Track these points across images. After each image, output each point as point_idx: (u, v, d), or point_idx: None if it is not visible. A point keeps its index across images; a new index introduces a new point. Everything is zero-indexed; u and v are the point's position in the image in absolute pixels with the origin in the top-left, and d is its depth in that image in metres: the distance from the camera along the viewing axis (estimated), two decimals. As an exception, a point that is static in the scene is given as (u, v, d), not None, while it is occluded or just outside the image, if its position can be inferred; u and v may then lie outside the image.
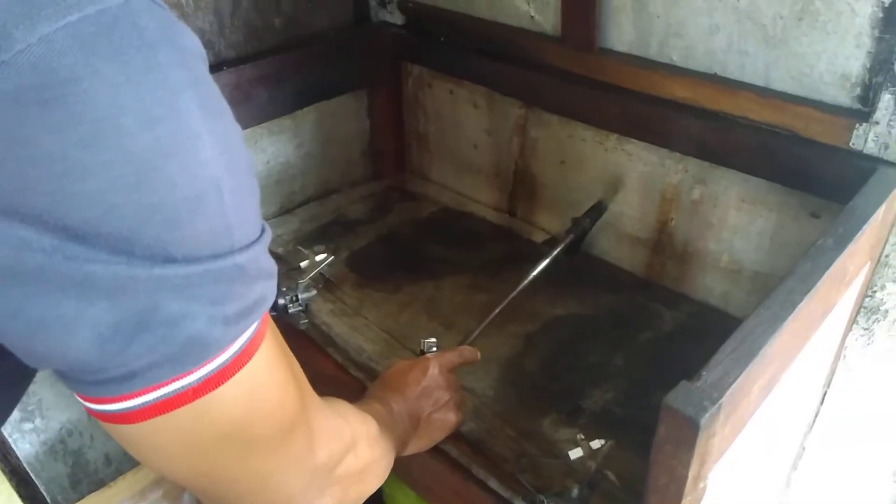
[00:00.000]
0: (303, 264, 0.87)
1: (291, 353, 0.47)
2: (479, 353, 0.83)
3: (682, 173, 1.00)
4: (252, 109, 1.10)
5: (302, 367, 0.89)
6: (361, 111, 1.31)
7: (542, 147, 1.17)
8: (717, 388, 0.49)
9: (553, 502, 0.68)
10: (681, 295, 1.08)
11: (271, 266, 0.41)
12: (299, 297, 0.84)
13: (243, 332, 0.39)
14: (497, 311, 0.90)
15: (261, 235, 0.40)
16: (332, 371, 0.92)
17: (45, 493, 0.95)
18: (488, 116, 1.22)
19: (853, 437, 1.03)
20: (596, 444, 0.76)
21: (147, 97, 0.32)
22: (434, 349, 0.82)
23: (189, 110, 0.34)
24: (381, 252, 1.20)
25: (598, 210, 1.06)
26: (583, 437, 0.76)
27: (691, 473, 0.50)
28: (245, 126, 1.12)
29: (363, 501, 0.58)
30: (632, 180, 1.06)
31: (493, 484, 0.70)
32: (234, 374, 0.39)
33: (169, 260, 0.34)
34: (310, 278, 0.85)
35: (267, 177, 1.20)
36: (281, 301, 0.83)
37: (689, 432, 0.47)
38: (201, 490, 0.45)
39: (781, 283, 0.59)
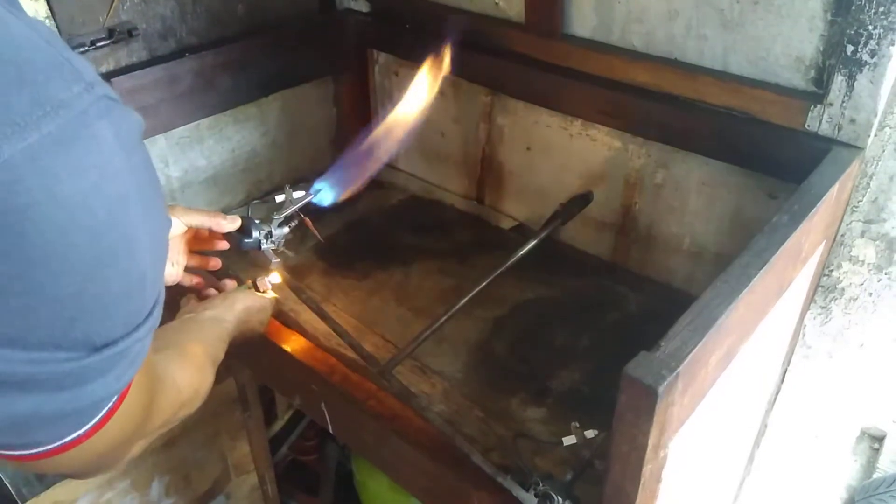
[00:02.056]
0: (278, 198, 0.85)
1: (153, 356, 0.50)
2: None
3: (646, 158, 1.02)
4: (215, 97, 1.09)
5: (269, 347, 0.88)
6: (328, 99, 1.31)
7: (509, 134, 1.18)
8: (674, 357, 0.50)
9: (547, 485, 0.68)
10: (645, 278, 1.10)
11: (159, 317, 0.44)
12: (273, 232, 0.82)
13: (130, 378, 0.43)
14: (470, 295, 0.91)
15: (157, 298, 0.42)
16: (301, 354, 0.92)
17: (9, 486, 0.94)
18: (455, 104, 1.22)
19: (813, 415, 1.06)
20: (590, 433, 0.77)
21: (100, 211, 0.34)
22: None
23: (134, 217, 0.37)
24: (349, 240, 1.20)
25: (585, 199, 1.07)
26: (577, 425, 0.77)
27: (651, 441, 0.51)
28: (209, 113, 1.11)
29: None
30: (596, 165, 1.08)
31: (477, 459, 0.70)
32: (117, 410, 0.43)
33: (92, 348, 0.37)
34: (285, 216, 0.83)
35: (233, 165, 1.19)
36: (255, 234, 0.81)
37: (648, 400, 0.48)
38: None
39: (738, 259, 0.61)
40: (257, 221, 0.82)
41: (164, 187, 1.12)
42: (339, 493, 1.31)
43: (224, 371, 1.12)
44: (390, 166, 1.40)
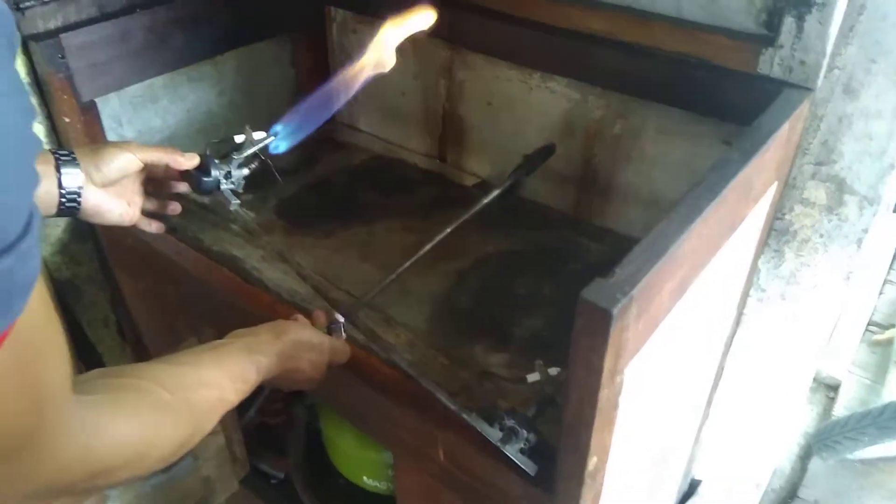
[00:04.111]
0: (238, 139, 0.83)
1: (49, 350, 0.41)
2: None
3: (604, 108, 1.03)
4: (168, 54, 1.07)
5: (232, 306, 0.84)
6: (285, 59, 1.29)
7: (469, 89, 1.17)
8: (628, 282, 0.52)
9: (512, 420, 0.68)
10: (606, 229, 1.11)
11: (35, 270, 0.35)
12: (232, 173, 0.81)
13: None
14: (435, 241, 0.91)
15: (24, 234, 0.34)
16: (264, 310, 0.92)
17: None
18: (414, 60, 1.22)
19: (769, 358, 1.09)
20: (554, 371, 0.78)
21: None
22: (341, 326, 0.80)
23: None
24: (310, 200, 1.19)
25: (547, 151, 1.08)
26: (541, 363, 0.78)
27: (607, 366, 0.52)
28: (162, 71, 1.09)
29: None
30: (556, 118, 1.08)
31: (442, 397, 0.71)
32: None
33: None
34: (245, 157, 0.82)
35: (188, 125, 1.17)
36: (215, 173, 0.80)
37: (602, 323, 0.50)
38: None
39: (690, 191, 0.62)
40: (216, 161, 0.80)
41: (118, 148, 1.09)
42: (309, 453, 1.31)
43: (187, 331, 1.12)
44: (351, 126, 1.39)
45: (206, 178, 0.79)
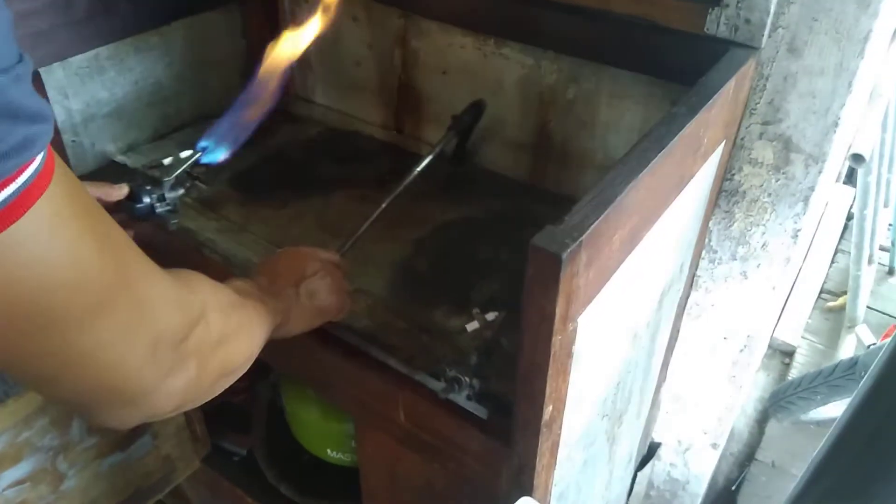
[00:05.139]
0: (166, 161, 0.84)
1: (110, 220, 0.42)
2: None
3: (557, 73, 1.03)
4: (113, 22, 1.04)
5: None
6: (235, 30, 1.26)
7: (424, 58, 1.17)
8: (577, 229, 0.53)
9: (454, 370, 0.70)
10: (563, 196, 1.12)
11: (36, 107, 0.34)
12: (166, 195, 0.82)
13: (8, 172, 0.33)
14: (383, 206, 0.92)
15: (16, 65, 0.33)
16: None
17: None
18: (368, 29, 1.21)
19: (722, 319, 1.12)
20: (491, 315, 0.80)
21: None
22: None
23: None
24: (266, 171, 1.18)
25: (478, 108, 1.08)
26: (478, 310, 0.79)
27: (559, 311, 0.53)
28: (108, 41, 1.06)
29: (236, 378, 0.56)
30: (511, 85, 1.09)
31: (393, 362, 0.72)
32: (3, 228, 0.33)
33: None
34: (175, 177, 0.83)
35: (137, 99, 1.14)
36: (147, 199, 0.81)
37: (552, 268, 0.50)
38: (7, 367, 0.39)
39: (638, 143, 0.63)
40: (148, 187, 0.82)
41: (65, 121, 1.06)
42: (271, 430, 1.31)
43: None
44: (306, 99, 1.38)
45: (138, 206, 0.82)
